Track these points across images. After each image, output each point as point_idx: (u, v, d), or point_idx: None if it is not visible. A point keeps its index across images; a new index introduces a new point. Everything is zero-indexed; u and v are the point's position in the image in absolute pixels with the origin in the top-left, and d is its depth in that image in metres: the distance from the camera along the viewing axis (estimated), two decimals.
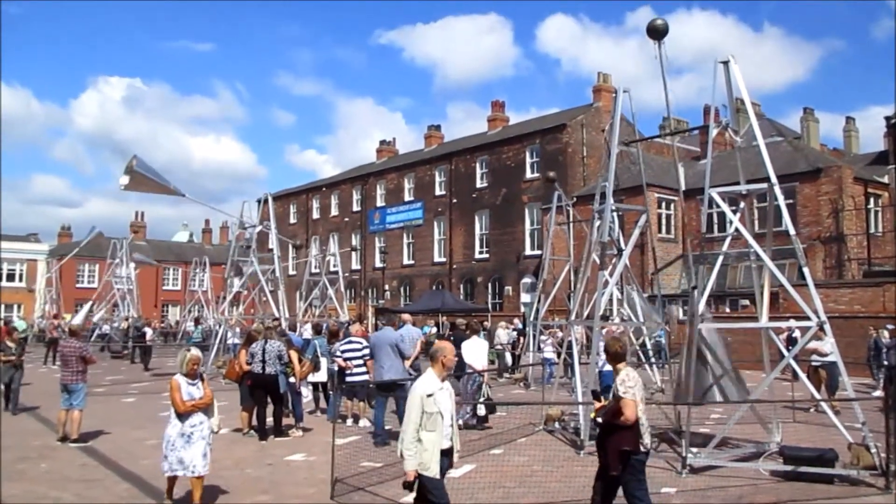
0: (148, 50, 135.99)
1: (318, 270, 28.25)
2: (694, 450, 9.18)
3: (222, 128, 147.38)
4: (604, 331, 11.46)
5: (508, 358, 22.28)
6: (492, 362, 19.79)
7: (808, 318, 9.22)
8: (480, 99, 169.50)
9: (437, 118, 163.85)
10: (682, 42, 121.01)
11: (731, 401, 9.82)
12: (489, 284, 39.45)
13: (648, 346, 17.93)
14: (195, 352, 7.32)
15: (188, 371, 7.02)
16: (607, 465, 5.84)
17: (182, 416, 6.85)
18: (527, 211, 37.88)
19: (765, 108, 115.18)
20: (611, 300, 17.34)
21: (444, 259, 42.75)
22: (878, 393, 15.78)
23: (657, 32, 10.37)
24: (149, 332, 25.56)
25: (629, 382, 5.71)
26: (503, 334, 22.70)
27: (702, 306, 9.69)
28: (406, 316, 14.33)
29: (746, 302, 25.99)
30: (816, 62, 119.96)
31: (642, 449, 5.76)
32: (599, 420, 6.17)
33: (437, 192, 43.71)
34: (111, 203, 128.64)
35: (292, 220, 55.54)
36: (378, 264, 46.30)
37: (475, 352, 12.41)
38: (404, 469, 5.36)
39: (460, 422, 11.95)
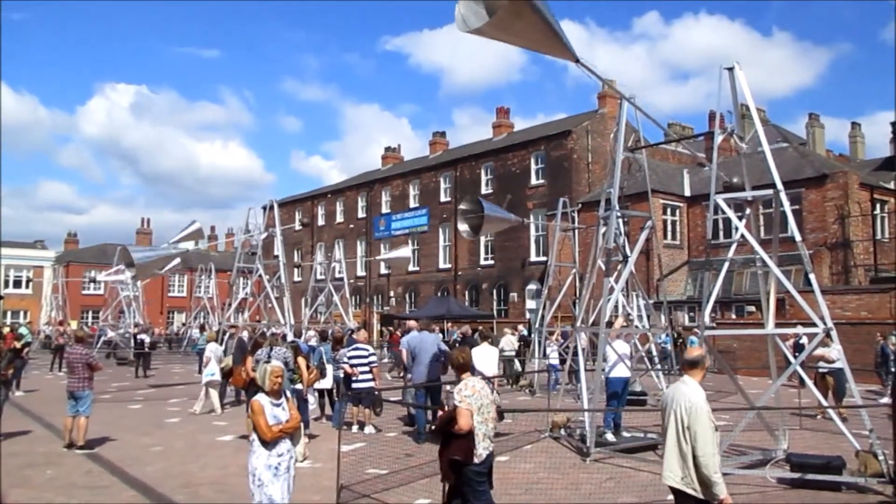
0: (155, 56, 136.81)
1: (323, 277, 28.23)
2: None
3: (229, 134, 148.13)
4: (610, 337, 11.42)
5: (518, 365, 22.24)
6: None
7: (814, 325, 9.19)
8: (487, 105, 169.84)
9: (444, 124, 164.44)
10: (690, 47, 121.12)
11: None
12: (494, 291, 39.42)
13: (654, 353, 17.89)
14: (277, 364, 6.29)
15: (271, 388, 5.95)
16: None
17: (269, 444, 5.78)
18: (532, 217, 37.88)
19: (772, 113, 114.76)
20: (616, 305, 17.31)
21: (449, 265, 42.75)
22: (886, 400, 15.70)
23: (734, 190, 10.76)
24: (145, 338, 25.52)
25: (465, 392, 5.62)
26: (508, 341, 22.61)
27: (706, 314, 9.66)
28: (411, 323, 14.35)
29: (752, 308, 25.93)
30: (825, 67, 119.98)
31: (476, 460, 5.55)
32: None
33: (443, 198, 43.74)
34: (118, 210, 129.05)
35: (297, 226, 55.59)
36: (383, 271, 46.37)
37: (485, 359, 12.40)
38: (717, 497, 4.66)
39: None
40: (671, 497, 7.87)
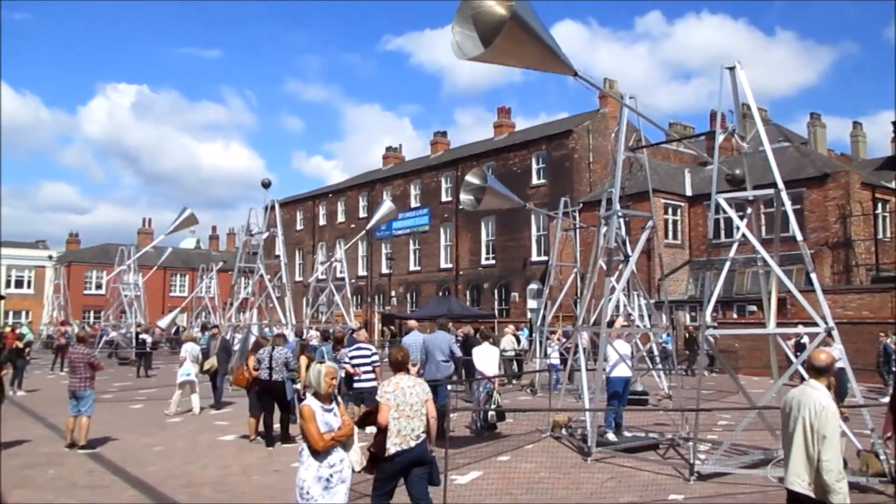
0: (156, 56, 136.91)
1: (324, 277, 28.27)
2: (702, 456, 9.15)
3: (231, 134, 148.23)
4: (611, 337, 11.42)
5: (515, 365, 22.20)
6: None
7: (815, 324, 9.18)
8: (489, 104, 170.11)
9: (446, 124, 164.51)
10: (692, 46, 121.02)
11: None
12: (495, 290, 39.42)
13: (655, 352, 17.88)
14: (331, 365, 5.66)
15: (326, 390, 5.32)
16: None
17: (319, 453, 5.16)
18: (533, 217, 37.88)
19: (775, 112, 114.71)
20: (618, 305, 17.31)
21: (450, 265, 42.76)
22: (887, 399, 15.69)
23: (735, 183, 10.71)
24: (147, 338, 25.59)
25: (388, 388, 5.79)
26: (508, 341, 22.52)
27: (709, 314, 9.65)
28: (412, 322, 14.36)
29: (754, 308, 25.93)
30: (828, 66, 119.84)
31: (386, 454, 5.67)
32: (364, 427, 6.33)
33: (444, 198, 43.75)
34: (120, 210, 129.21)
35: (299, 226, 55.69)
36: (384, 270, 46.39)
37: (486, 358, 12.40)
38: None
39: (472, 428, 11.98)
40: (672, 496, 7.91)
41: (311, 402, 5.26)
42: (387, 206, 23.00)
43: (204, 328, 28.08)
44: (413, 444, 5.69)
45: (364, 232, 30.55)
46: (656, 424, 12.22)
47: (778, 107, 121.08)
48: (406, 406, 5.73)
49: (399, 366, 6.17)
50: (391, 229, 47.07)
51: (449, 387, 12.36)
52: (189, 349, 14.92)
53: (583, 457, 10.05)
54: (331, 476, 5.15)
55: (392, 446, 5.65)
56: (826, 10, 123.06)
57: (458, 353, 12.52)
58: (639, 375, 14.75)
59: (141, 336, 26.43)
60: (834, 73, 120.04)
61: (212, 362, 15.39)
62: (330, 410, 5.28)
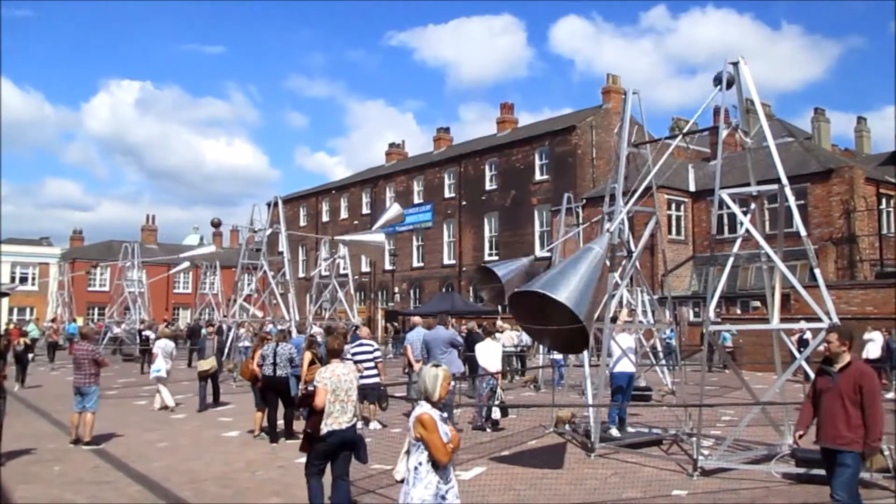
0: (159, 53, 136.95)
1: (327, 273, 28.28)
2: (705, 452, 9.15)
3: (235, 130, 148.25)
4: (616, 332, 11.42)
5: (518, 361, 22.21)
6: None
7: (819, 320, 9.17)
8: (493, 100, 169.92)
9: (449, 120, 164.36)
10: (697, 41, 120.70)
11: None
12: None
13: (659, 348, 17.86)
14: (446, 368, 4.95)
15: (442, 396, 4.71)
16: None
17: (441, 468, 4.52)
18: (536, 213, 37.87)
19: (780, 107, 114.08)
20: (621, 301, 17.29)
21: (453, 261, 42.78)
22: (891, 395, 15.68)
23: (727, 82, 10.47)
24: (151, 334, 25.67)
25: (325, 374, 6.44)
26: (508, 337, 22.44)
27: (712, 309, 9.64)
28: (416, 319, 14.38)
29: (757, 303, 25.89)
30: (834, 61, 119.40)
31: (321, 434, 6.26)
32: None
33: (447, 194, 43.76)
34: (124, 206, 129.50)
35: (302, 222, 55.72)
36: (388, 267, 46.41)
37: (489, 354, 12.41)
38: None
39: (475, 424, 11.99)
40: (676, 492, 7.92)
41: (430, 410, 4.61)
42: (395, 209, 22.53)
43: (208, 325, 28.20)
44: (345, 426, 6.27)
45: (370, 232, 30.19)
46: (660, 420, 12.23)
47: (783, 102, 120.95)
48: (341, 391, 6.33)
49: (334, 353, 6.83)
50: (394, 225, 47.05)
51: (453, 382, 12.40)
52: (162, 346, 14.93)
53: (586, 452, 10.06)
54: (447, 492, 4.54)
55: (325, 427, 6.22)
56: (833, 4, 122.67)
57: (460, 340, 12.61)
58: (642, 371, 14.74)
59: (144, 332, 26.49)
60: (840, 67, 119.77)
61: (211, 362, 14.91)
62: (445, 419, 4.72)
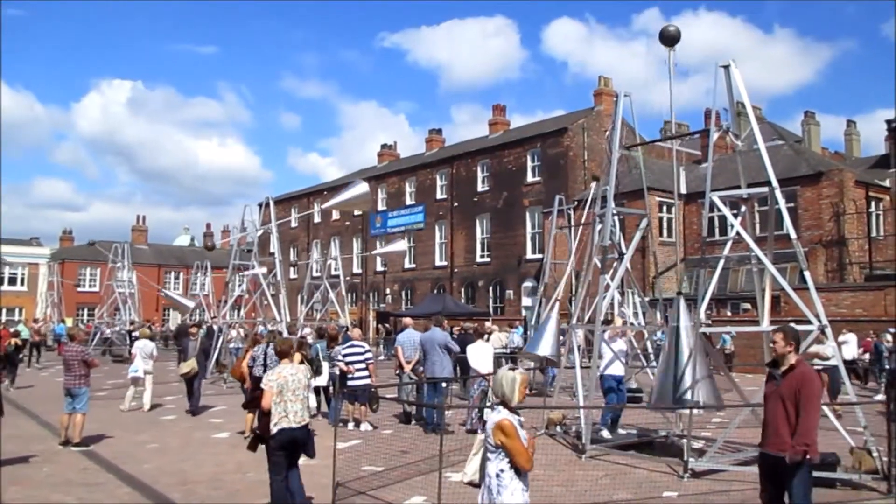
0: (150, 53, 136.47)
1: (319, 274, 28.26)
2: (696, 454, 9.17)
3: (227, 131, 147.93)
4: (606, 334, 11.45)
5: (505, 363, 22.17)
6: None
7: (809, 322, 9.22)
8: (486, 102, 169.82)
9: (442, 121, 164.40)
10: (689, 44, 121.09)
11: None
12: (490, 288, 39.45)
13: (650, 350, 17.91)
14: (524, 371, 4.75)
15: (520, 401, 4.53)
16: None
17: (524, 475, 4.39)
18: (528, 214, 37.92)
19: (771, 110, 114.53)
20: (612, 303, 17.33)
21: (445, 263, 42.78)
22: (880, 397, 15.76)
23: (670, 39, 10.37)
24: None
25: (272, 376, 6.68)
26: (497, 339, 22.35)
27: (703, 311, 9.68)
28: (407, 320, 14.37)
29: (748, 305, 26.00)
30: (825, 64, 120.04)
31: (270, 434, 6.53)
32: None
33: (439, 195, 43.77)
34: (114, 207, 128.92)
35: (294, 223, 55.59)
36: (379, 268, 46.38)
37: (480, 356, 12.41)
38: None
39: (467, 426, 11.99)
40: (667, 493, 7.94)
41: (507, 415, 4.41)
42: (360, 187, 19.66)
43: (199, 325, 28.10)
44: (294, 424, 6.54)
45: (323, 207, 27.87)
46: (650, 422, 12.25)
47: (774, 105, 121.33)
48: (287, 391, 6.56)
49: (283, 354, 7.04)
50: (386, 227, 47.06)
51: (444, 384, 12.41)
52: (140, 346, 14.97)
53: (577, 454, 10.07)
54: (528, 498, 4.45)
55: (274, 426, 6.50)
56: (825, 7, 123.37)
57: (456, 347, 12.71)
58: (633, 373, 14.77)
59: (135, 333, 26.38)
60: (830, 70, 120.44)
61: (191, 364, 14.43)
62: (521, 424, 4.53)
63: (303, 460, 9.77)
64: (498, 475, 4.37)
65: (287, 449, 6.62)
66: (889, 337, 17.54)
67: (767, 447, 5.56)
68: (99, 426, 11.78)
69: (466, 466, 4.52)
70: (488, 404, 11.92)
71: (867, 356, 18.91)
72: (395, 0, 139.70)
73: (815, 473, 8.23)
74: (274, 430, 6.51)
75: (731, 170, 19.84)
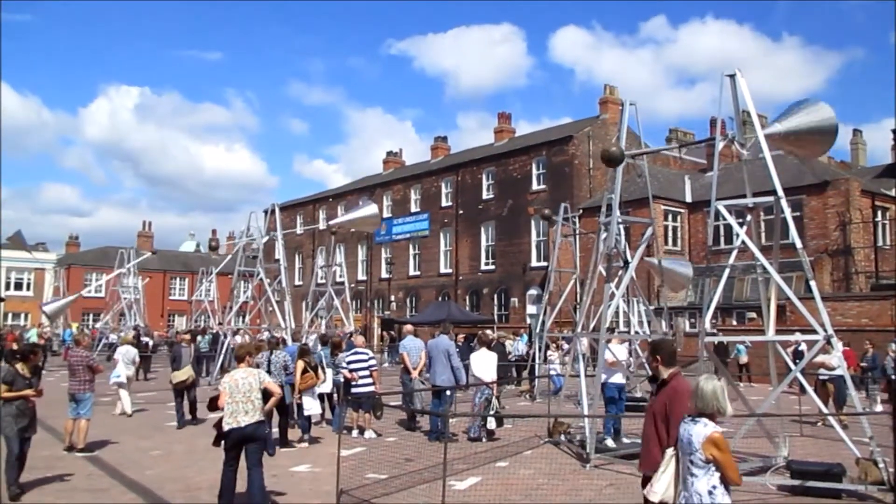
0: (158, 58, 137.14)
1: (323, 281, 28.26)
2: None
3: (234, 137, 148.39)
4: (611, 343, 11.42)
5: (515, 371, 22.21)
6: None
7: (815, 332, 9.19)
8: (492, 109, 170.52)
9: (448, 128, 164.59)
10: (697, 51, 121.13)
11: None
12: (495, 296, 39.40)
13: None
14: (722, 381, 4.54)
15: (730, 410, 4.42)
16: None
17: (729, 490, 4.38)
18: (533, 222, 37.89)
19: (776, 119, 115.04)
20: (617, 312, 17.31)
21: (449, 270, 42.75)
22: (880, 408, 15.70)
23: (613, 160, 10.51)
24: (148, 341, 25.75)
25: (225, 379, 7.31)
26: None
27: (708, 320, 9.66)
28: (408, 327, 14.38)
29: (753, 315, 25.91)
30: (832, 72, 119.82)
31: (223, 431, 7.10)
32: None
33: (444, 203, 43.78)
34: (121, 212, 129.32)
35: (299, 230, 55.67)
36: (384, 275, 46.39)
37: (484, 364, 12.39)
38: None
39: (471, 434, 11.97)
40: None
41: (716, 427, 4.29)
42: (370, 209, 19.60)
43: (204, 332, 28.15)
44: (244, 423, 7.00)
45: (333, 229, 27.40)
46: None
47: (780, 113, 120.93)
48: (238, 393, 7.06)
49: (240, 359, 7.60)
50: (391, 234, 47.09)
51: (448, 392, 12.38)
52: (123, 352, 15.14)
53: (581, 463, 10.04)
54: None
55: (226, 425, 7.04)
56: (834, 15, 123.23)
57: (457, 362, 12.32)
58: (638, 382, 14.75)
59: (142, 339, 26.45)
60: (838, 79, 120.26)
61: (188, 373, 13.61)
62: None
63: (306, 467, 9.81)
64: (710, 492, 4.24)
65: (238, 446, 7.11)
66: (895, 346, 17.46)
67: (641, 468, 5.29)
68: (103, 432, 11.81)
69: (655, 485, 4.11)
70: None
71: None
72: (401, 7, 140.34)
73: (822, 484, 8.24)
74: (225, 427, 7.07)
75: (736, 179, 19.77)
